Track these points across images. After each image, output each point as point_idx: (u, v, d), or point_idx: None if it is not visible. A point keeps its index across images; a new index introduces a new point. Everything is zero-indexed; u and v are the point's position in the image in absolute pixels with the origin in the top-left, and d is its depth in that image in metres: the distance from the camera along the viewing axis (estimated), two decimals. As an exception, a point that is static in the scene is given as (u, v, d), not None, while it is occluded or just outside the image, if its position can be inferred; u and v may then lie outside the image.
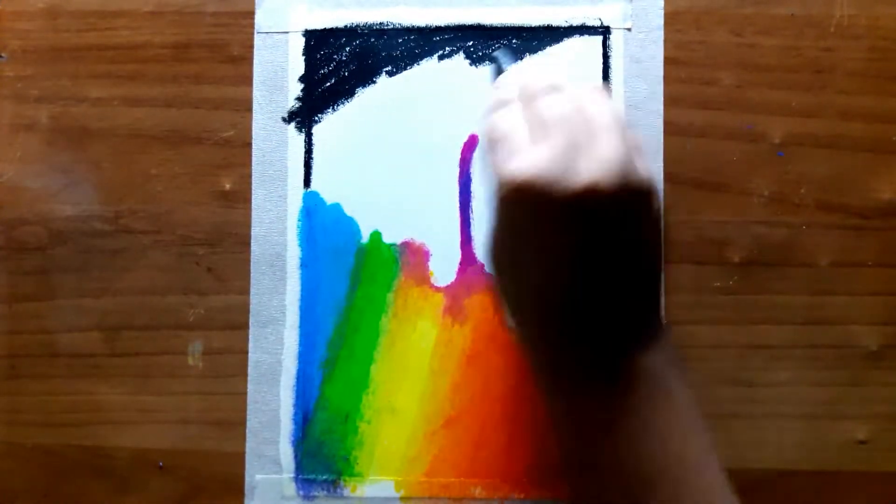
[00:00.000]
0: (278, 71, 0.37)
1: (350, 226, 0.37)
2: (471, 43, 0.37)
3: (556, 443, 0.32)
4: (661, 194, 0.31)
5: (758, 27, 0.36)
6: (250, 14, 0.37)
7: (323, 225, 0.37)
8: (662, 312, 0.31)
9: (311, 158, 0.37)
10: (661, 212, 0.30)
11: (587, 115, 0.28)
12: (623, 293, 0.29)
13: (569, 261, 0.28)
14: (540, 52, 0.37)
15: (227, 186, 0.37)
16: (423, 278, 0.36)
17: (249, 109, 0.37)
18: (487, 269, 0.33)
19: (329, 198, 0.37)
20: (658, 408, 0.29)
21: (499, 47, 0.37)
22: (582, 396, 0.29)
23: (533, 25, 0.37)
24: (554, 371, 0.30)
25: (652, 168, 0.30)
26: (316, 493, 0.36)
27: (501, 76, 0.33)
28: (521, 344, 0.33)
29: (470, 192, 0.36)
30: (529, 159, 0.27)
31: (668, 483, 0.28)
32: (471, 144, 0.37)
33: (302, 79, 0.37)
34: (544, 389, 0.31)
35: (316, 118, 0.37)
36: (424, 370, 0.36)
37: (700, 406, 0.29)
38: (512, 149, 0.28)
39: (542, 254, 0.29)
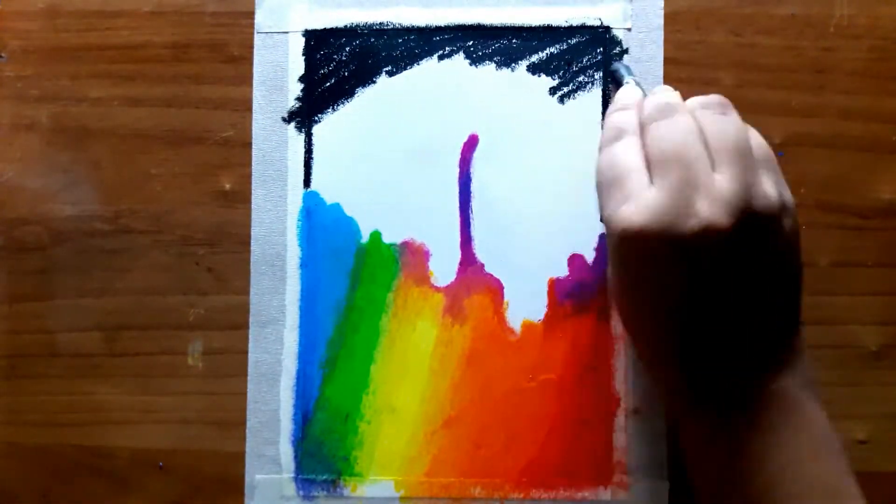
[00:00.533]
0: (278, 71, 0.37)
1: (350, 226, 0.37)
2: (471, 43, 0.37)
3: (690, 473, 0.31)
4: (795, 210, 0.29)
5: (757, 27, 0.36)
6: (250, 14, 0.37)
7: (323, 225, 0.37)
8: (803, 334, 0.30)
9: (311, 158, 0.37)
10: (797, 227, 0.29)
11: (707, 138, 0.27)
12: (754, 321, 0.28)
13: (690, 297, 0.28)
14: (540, 52, 0.37)
15: (227, 186, 0.37)
16: (422, 278, 0.36)
17: (249, 109, 0.37)
18: (612, 299, 0.33)
19: (329, 198, 0.37)
20: (793, 432, 0.28)
21: (618, 57, 0.35)
22: (717, 425, 0.29)
23: (533, 25, 0.37)
24: (688, 401, 0.30)
25: (783, 183, 0.29)
26: (316, 493, 0.36)
27: (621, 93, 0.32)
28: (651, 374, 0.32)
29: (470, 192, 0.36)
30: (642, 206, 0.27)
31: None
32: (471, 144, 0.37)
33: (302, 79, 0.37)
34: (679, 417, 0.31)
35: (316, 118, 0.37)
36: (424, 370, 0.36)
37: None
38: (625, 193, 0.27)
39: (663, 292, 0.28)
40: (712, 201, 0.26)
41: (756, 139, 0.29)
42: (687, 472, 0.31)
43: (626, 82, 0.33)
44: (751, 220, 0.26)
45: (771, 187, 0.28)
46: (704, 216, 0.26)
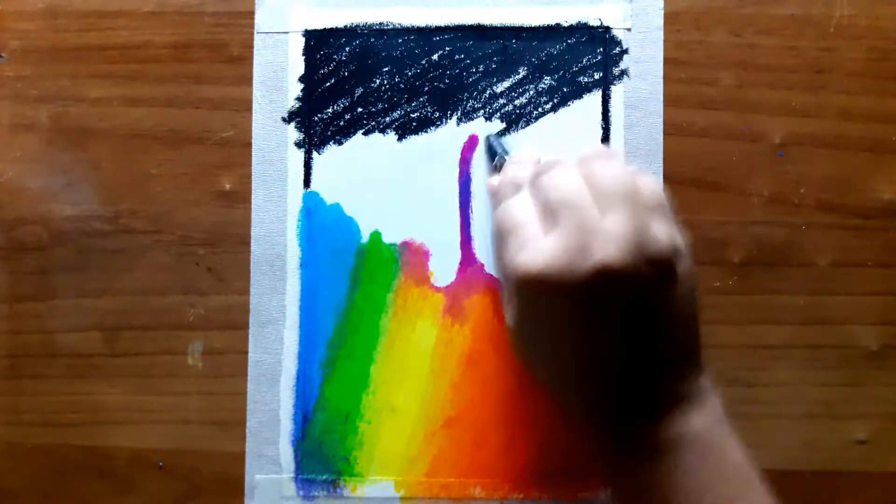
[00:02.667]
0: (278, 71, 0.37)
1: (350, 226, 0.37)
2: (471, 43, 0.37)
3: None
4: (690, 253, 0.30)
5: (757, 27, 0.36)
6: (250, 14, 0.37)
7: (323, 225, 0.37)
8: (705, 372, 0.30)
9: (311, 158, 0.37)
10: (692, 270, 0.30)
11: (595, 186, 0.28)
12: (655, 364, 0.29)
13: (589, 341, 0.28)
14: (541, 53, 0.37)
15: (227, 186, 0.37)
16: (422, 278, 0.36)
17: (249, 109, 0.37)
18: (513, 345, 0.33)
19: (329, 198, 0.37)
20: (709, 468, 0.28)
21: (495, 134, 0.36)
22: (627, 466, 0.29)
23: (533, 25, 0.37)
24: (598, 445, 0.30)
25: (676, 228, 0.29)
26: (316, 494, 0.36)
27: (499, 160, 0.34)
28: (560, 414, 0.33)
29: (470, 192, 0.36)
30: (538, 252, 0.27)
31: None
32: (471, 144, 0.37)
33: (302, 79, 0.37)
34: (595, 458, 0.31)
35: (316, 118, 0.37)
36: (424, 370, 0.36)
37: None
38: (521, 241, 0.28)
39: (563, 335, 0.29)
40: (605, 243, 0.26)
41: (647, 184, 0.29)
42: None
43: (501, 151, 0.35)
44: (644, 262, 0.27)
45: (662, 231, 0.28)
46: (598, 257, 0.26)
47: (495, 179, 0.34)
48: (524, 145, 0.35)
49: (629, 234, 0.27)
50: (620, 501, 0.30)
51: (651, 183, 0.29)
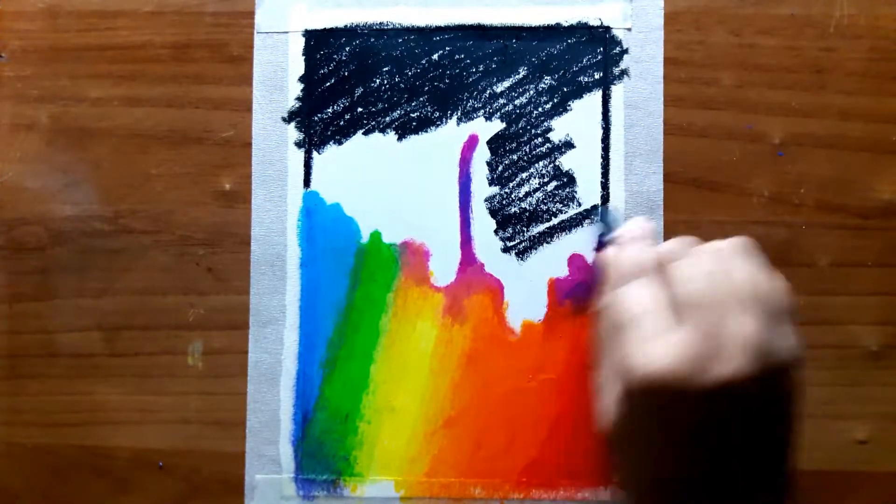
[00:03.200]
0: (278, 71, 0.37)
1: (350, 226, 0.37)
2: (471, 42, 0.37)
3: None
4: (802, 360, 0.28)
5: (758, 27, 0.36)
6: (250, 14, 0.37)
7: (323, 225, 0.37)
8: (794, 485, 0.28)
9: (311, 158, 0.37)
10: (801, 388, 0.28)
11: (731, 285, 0.26)
12: (755, 479, 0.27)
13: (698, 448, 0.26)
14: (541, 53, 0.37)
15: (227, 186, 0.37)
16: (422, 278, 0.36)
17: (249, 109, 0.37)
18: (608, 445, 0.30)
19: (329, 198, 0.37)
20: None
21: (603, 210, 0.35)
22: None
23: (533, 25, 0.37)
24: None
25: (797, 336, 0.28)
26: (316, 494, 0.36)
27: (626, 228, 0.31)
28: None
29: (470, 192, 0.36)
30: (665, 351, 0.25)
31: None
32: (471, 144, 0.37)
33: (302, 79, 0.37)
34: None
35: (316, 118, 0.37)
36: (424, 370, 0.36)
37: None
38: (644, 335, 0.26)
39: (671, 442, 0.27)
40: (741, 349, 0.25)
41: (778, 288, 0.28)
42: None
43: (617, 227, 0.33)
44: (767, 374, 0.25)
45: (790, 338, 0.27)
46: (733, 364, 0.25)
47: (611, 255, 0.31)
48: (637, 220, 0.33)
49: (766, 343, 0.25)
50: None
51: (781, 286, 0.28)
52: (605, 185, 0.36)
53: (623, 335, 0.27)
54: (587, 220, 0.36)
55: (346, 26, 0.37)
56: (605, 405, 0.29)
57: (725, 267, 0.27)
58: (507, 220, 0.36)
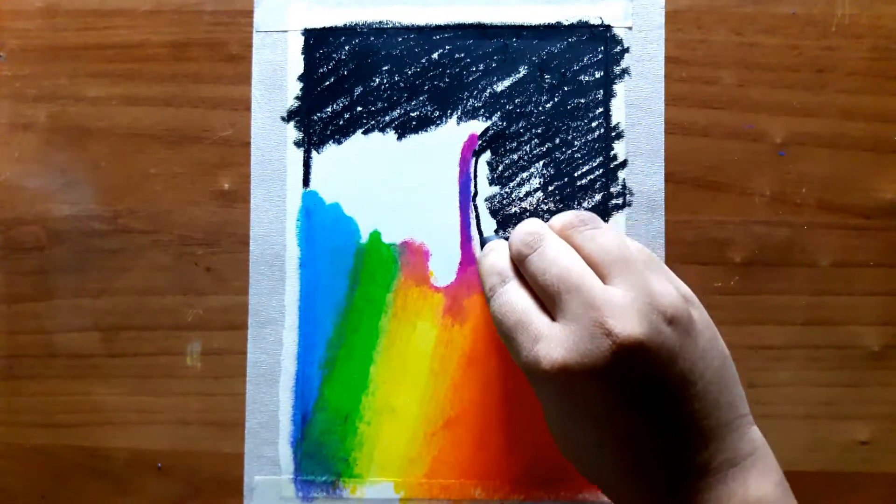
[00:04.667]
0: (277, 70, 0.37)
1: (349, 225, 0.37)
2: (471, 41, 0.37)
3: None
4: (699, 302, 0.29)
5: (759, 26, 0.36)
6: (249, 13, 0.37)
7: (322, 225, 0.37)
8: (752, 423, 0.29)
9: (311, 158, 0.37)
10: (706, 315, 0.28)
11: (588, 258, 0.27)
12: (697, 424, 0.27)
13: (628, 416, 0.27)
14: (542, 51, 0.36)
15: (226, 186, 0.37)
16: (422, 278, 0.36)
17: (248, 108, 0.37)
18: (557, 445, 0.31)
19: (328, 197, 0.37)
20: None
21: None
22: None
23: (533, 24, 0.36)
24: None
25: (676, 278, 0.28)
26: (315, 495, 0.36)
27: (485, 247, 0.33)
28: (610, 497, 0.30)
29: (470, 192, 0.36)
30: (554, 344, 0.26)
31: None
32: (471, 144, 0.36)
33: (301, 78, 0.37)
34: None
35: (315, 117, 0.37)
36: (424, 371, 0.36)
37: None
38: (532, 335, 0.27)
39: (599, 419, 0.27)
40: (619, 316, 0.25)
41: (632, 244, 0.28)
42: None
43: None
44: (663, 322, 0.26)
45: (665, 286, 0.27)
46: (616, 332, 0.25)
47: (477, 267, 0.32)
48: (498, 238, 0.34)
49: (638, 298, 0.26)
50: None
51: (635, 242, 0.29)
52: (605, 185, 0.36)
53: (515, 340, 0.28)
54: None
55: (345, 25, 0.37)
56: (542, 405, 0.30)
57: (576, 242, 0.28)
58: (507, 220, 0.36)
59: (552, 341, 0.26)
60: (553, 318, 0.28)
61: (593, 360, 0.25)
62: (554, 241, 0.28)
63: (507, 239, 0.32)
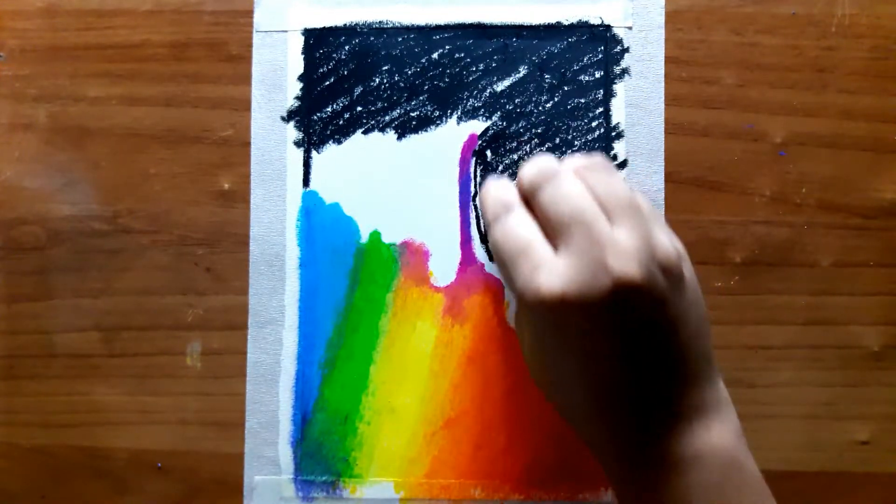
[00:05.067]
0: (277, 70, 0.37)
1: (349, 226, 0.37)
2: (471, 41, 0.37)
3: None
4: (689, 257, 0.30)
5: (759, 26, 0.36)
6: (249, 13, 0.37)
7: (322, 225, 0.37)
8: (719, 378, 0.30)
9: (311, 158, 0.37)
10: (693, 274, 0.30)
11: (598, 199, 0.28)
12: (679, 373, 0.28)
13: (613, 354, 0.28)
14: (542, 51, 0.36)
15: (226, 186, 0.37)
16: (422, 278, 0.36)
17: (248, 108, 0.37)
18: (532, 375, 0.33)
19: (328, 197, 0.37)
20: (732, 484, 0.28)
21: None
22: (648, 483, 0.29)
23: (533, 24, 0.36)
24: (620, 466, 0.30)
25: (674, 234, 0.29)
26: (315, 495, 0.36)
27: (486, 180, 0.33)
28: (582, 437, 0.32)
29: (470, 192, 0.36)
30: (555, 273, 0.27)
31: None
32: (471, 144, 0.36)
33: (301, 78, 0.37)
34: (614, 481, 0.31)
35: (315, 117, 0.37)
36: (424, 371, 0.36)
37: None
38: (533, 263, 0.28)
39: (585, 354, 0.28)
40: (620, 256, 0.26)
41: (640, 195, 0.30)
42: None
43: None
44: (658, 270, 0.27)
45: (665, 238, 0.28)
46: (616, 272, 0.26)
47: (480, 196, 0.33)
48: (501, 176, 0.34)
49: (641, 245, 0.27)
50: None
51: (642, 195, 0.30)
52: (605, 185, 0.36)
53: (515, 267, 0.28)
54: None
55: (345, 25, 0.37)
56: (520, 335, 0.31)
57: (590, 183, 0.28)
58: (508, 219, 0.36)
59: (553, 271, 0.27)
60: (555, 251, 0.28)
61: (591, 294, 0.26)
62: (570, 177, 0.29)
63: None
